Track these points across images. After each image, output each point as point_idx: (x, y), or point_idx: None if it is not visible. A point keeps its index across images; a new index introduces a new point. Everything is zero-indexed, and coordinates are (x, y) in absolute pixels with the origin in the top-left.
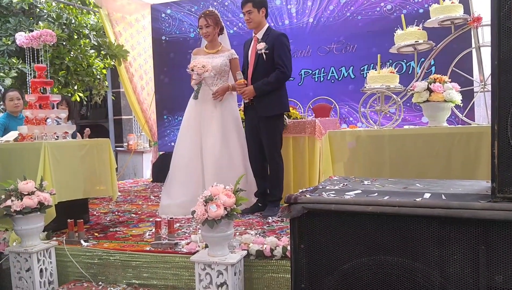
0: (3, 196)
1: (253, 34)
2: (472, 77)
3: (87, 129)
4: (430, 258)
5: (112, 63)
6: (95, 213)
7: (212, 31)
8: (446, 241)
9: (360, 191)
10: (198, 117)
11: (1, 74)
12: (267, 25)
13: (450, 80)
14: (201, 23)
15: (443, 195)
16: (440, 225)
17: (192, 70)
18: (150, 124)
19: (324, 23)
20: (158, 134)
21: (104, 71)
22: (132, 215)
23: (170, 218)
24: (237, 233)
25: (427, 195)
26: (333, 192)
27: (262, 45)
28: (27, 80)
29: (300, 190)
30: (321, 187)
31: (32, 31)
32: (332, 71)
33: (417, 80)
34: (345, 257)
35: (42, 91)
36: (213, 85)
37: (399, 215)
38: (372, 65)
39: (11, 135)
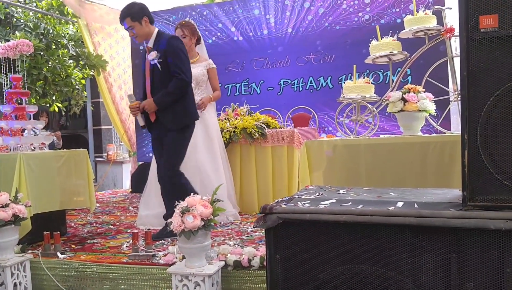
0: None
1: (145, 44)
2: (448, 87)
3: (58, 132)
4: (403, 267)
5: (91, 73)
6: (72, 224)
7: (189, 42)
8: (418, 249)
9: (335, 201)
10: None
11: None
12: (156, 30)
13: (424, 90)
14: (177, 34)
15: (415, 204)
16: (413, 233)
17: None
18: (129, 134)
19: (303, 33)
20: (137, 144)
21: (83, 81)
22: (110, 226)
23: (148, 229)
24: (216, 244)
25: (400, 204)
26: (309, 201)
27: (153, 54)
28: (3, 90)
29: (276, 200)
30: (297, 196)
31: (8, 40)
32: (311, 80)
33: (392, 90)
34: (320, 267)
35: (18, 102)
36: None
37: (372, 224)
38: (350, 75)
39: None
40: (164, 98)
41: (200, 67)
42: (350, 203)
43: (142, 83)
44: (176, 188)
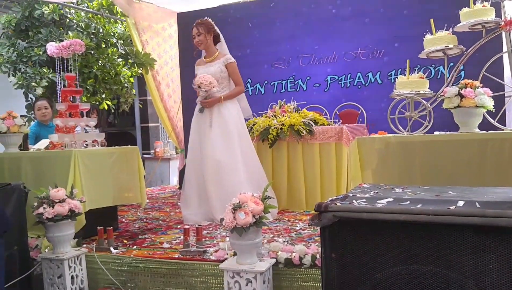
0: (35, 204)
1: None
2: (503, 81)
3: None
4: (465, 268)
5: (139, 71)
6: (123, 220)
7: (204, 39)
8: (481, 250)
9: (392, 199)
10: (198, 126)
11: (33, 83)
12: None
13: (481, 85)
14: (193, 33)
15: (477, 203)
16: (475, 233)
17: (199, 86)
18: (176, 131)
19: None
20: (184, 141)
21: (131, 79)
22: (160, 222)
23: (199, 225)
24: (265, 241)
25: (460, 203)
26: (364, 200)
27: None
28: (57, 89)
29: (330, 198)
30: (351, 195)
31: (62, 41)
32: (359, 76)
33: (447, 86)
34: (377, 266)
35: (71, 99)
36: (215, 93)
37: (432, 223)
38: (400, 70)
39: (43, 143)
40: None
41: (218, 64)
42: (408, 202)
43: None
44: None
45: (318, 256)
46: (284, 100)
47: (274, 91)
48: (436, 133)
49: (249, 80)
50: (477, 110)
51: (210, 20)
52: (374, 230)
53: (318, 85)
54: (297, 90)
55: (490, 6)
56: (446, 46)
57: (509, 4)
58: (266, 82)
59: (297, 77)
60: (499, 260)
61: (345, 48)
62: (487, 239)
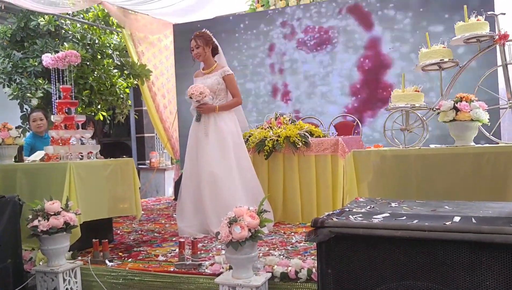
0: (30, 216)
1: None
2: (497, 94)
3: None
4: (461, 284)
5: (135, 82)
6: (119, 232)
7: (202, 52)
8: (477, 266)
9: (388, 215)
10: (195, 137)
11: (28, 94)
12: None
13: (477, 98)
14: (191, 45)
15: (473, 219)
16: (471, 250)
17: (190, 97)
18: (172, 142)
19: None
20: (180, 152)
21: (127, 90)
22: (156, 234)
23: (194, 238)
24: (261, 254)
25: (456, 219)
26: (361, 215)
27: None
28: (53, 100)
29: (326, 213)
30: (347, 209)
31: (57, 52)
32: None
33: (442, 99)
34: (374, 282)
35: (67, 111)
36: (209, 102)
37: (428, 239)
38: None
39: (38, 155)
40: None
41: (215, 76)
42: (404, 217)
43: None
44: None
45: (314, 270)
46: (280, 111)
47: (270, 102)
48: (432, 146)
49: (253, 92)
50: (473, 124)
51: (208, 32)
52: (371, 246)
53: (314, 95)
54: (292, 100)
55: (485, 20)
56: (441, 60)
57: (503, 18)
58: (261, 93)
59: (292, 87)
60: (495, 277)
61: (344, 59)
62: (483, 256)
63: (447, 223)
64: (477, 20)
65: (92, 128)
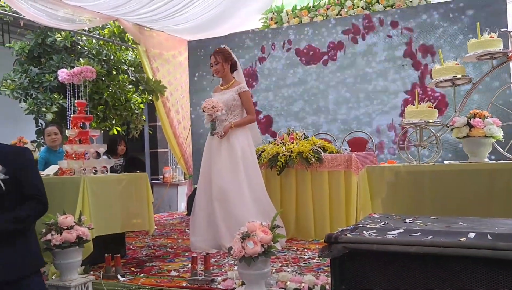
0: (43, 230)
1: None
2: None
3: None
4: None
5: (150, 98)
6: (131, 247)
7: (221, 68)
8: (493, 283)
9: (402, 230)
10: (209, 152)
11: (43, 109)
12: None
13: (490, 115)
14: (211, 61)
15: (488, 235)
16: (487, 266)
17: (203, 111)
18: (185, 157)
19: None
20: (193, 167)
21: (141, 105)
22: (168, 249)
23: (206, 253)
24: (273, 270)
25: (471, 235)
26: (375, 231)
27: None
28: (67, 114)
29: (340, 229)
30: (361, 225)
31: (73, 67)
32: (366, 104)
33: (456, 115)
34: None
35: (81, 126)
36: (225, 121)
37: (444, 255)
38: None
39: (52, 169)
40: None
41: (231, 92)
42: (419, 233)
43: None
44: None
45: (327, 286)
46: (293, 127)
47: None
48: (446, 162)
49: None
50: (486, 140)
51: (228, 48)
52: (385, 262)
53: (329, 109)
54: (310, 114)
55: (498, 37)
56: (454, 76)
57: None
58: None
59: (309, 102)
60: None
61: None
62: (500, 273)
63: (462, 239)
64: (490, 37)
65: (124, 145)
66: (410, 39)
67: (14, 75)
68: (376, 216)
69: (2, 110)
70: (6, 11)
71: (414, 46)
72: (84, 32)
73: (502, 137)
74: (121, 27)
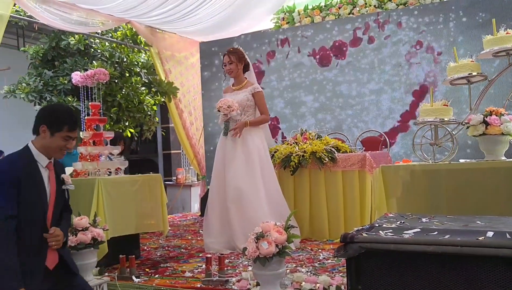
0: None
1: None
2: None
3: None
4: None
5: (162, 99)
6: (145, 248)
7: (235, 68)
8: None
9: (419, 230)
10: (222, 152)
11: None
12: None
13: (507, 112)
14: (224, 60)
15: (507, 234)
16: (507, 266)
17: (219, 110)
18: (198, 158)
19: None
20: (206, 168)
21: (154, 107)
22: (182, 250)
23: (221, 254)
24: (288, 271)
25: (490, 234)
26: (391, 230)
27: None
28: (81, 117)
29: (356, 229)
30: (377, 225)
31: (86, 70)
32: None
33: (472, 113)
34: None
35: (95, 128)
36: (236, 116)
37: (461, 255)
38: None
39: (66, 171)
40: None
41: (245, 93)
42: (436, 232)
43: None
44: None
45: (343, 287)
46: (306, 127)
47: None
48: (461, 161)
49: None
50: (503, 138)
51: (241, 49)
52: (402, 261)
53: (341, 108)
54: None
55: None
56: (469, 74)
57: None
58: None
59: (320, 101)
60: None
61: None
62: None
63: (480, 239)
64: (506, 33)
65: (122, 145)
66: (424, 37)
67: (28, 79)
68: (391, 215)
69: (18, 113)
70: (20, 15)
71: (427, 44)
72: (97, 35)
73: None
74: (134, 30)
